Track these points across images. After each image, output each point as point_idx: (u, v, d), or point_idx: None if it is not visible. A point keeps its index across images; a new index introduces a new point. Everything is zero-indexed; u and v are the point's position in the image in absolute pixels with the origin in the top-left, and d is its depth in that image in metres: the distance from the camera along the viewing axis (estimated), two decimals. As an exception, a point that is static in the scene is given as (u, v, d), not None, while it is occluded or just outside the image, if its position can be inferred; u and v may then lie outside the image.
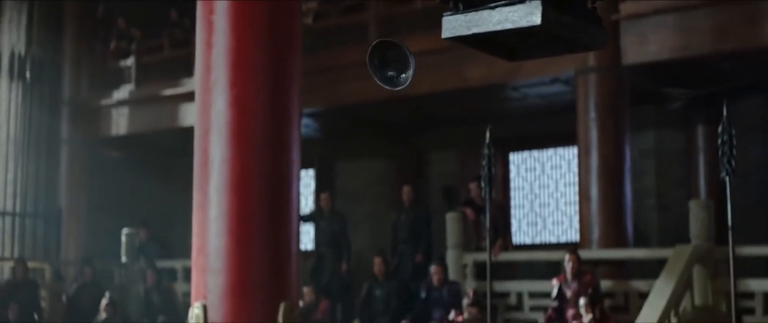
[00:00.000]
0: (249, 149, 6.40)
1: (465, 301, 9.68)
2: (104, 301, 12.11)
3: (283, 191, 6.51)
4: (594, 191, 10.77)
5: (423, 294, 10.78)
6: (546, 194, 14.46)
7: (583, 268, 9.74)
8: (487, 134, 7.47)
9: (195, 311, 6.34)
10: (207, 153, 6.47)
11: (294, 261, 6.58)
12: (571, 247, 10.17)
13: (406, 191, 12.34)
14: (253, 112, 6.47)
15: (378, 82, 3.23)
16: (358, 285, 12.65)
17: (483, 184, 7.45)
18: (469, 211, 11.51)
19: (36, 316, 12.45)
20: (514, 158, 14.77)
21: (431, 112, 14.05)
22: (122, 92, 15.48)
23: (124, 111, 15.57)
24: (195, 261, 6.48)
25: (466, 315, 9.49)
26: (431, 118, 14.52)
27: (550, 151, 14.45)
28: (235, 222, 6.31)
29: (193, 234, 6.51)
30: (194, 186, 6.53)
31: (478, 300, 9.58)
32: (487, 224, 7.74)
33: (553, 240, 14.30)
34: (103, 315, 12.03)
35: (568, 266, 9.67)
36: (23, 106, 15.49)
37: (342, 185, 16.10)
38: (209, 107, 6.53)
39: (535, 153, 14.61)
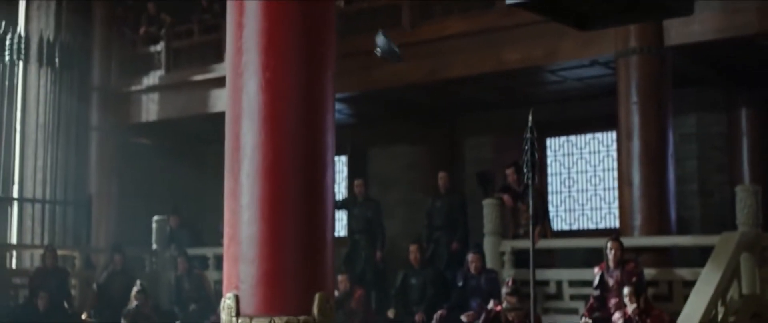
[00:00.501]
0: (282, 134, 6.15)
1: (504, 290, 9.41)
2: (135, 289, 11.95)
3: (318, 177, 6.25)
4: (636, 177, 10.46)
5: (460, 283, 10.53)
6: (584, 180, 14.17)
7: (626, 256, 9.44)
8: (530, 117, 7.21)
9: (227, 302, 6.11)
10: (238, 138, 6.23)
11: (329, 250, 6.33)
12: (613, 235, 9.84)
13: (441, 177, 12.07)
14: (286, 96, 6.21)
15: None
16: (392, 273, 12.42)
17: (525, 169, 7.17)
18: (506, 198, 11.24)
19: (66, 304, 12.30)
20: (551, 143, 14.49)
21: (466, 96, 13.81)
22: (152, 78, 15.32)
23: (154, 97, 15.41)
24: (227, 250, 6.24)
25: (505, 304, 9.23)
26: (466, 103, 14.28)
27: (588, 136, 14.15)
28: (267, 209, 6.07)
29: (224, 222, 6.27)
30: (225, 172, 6.29)
31: (517, 289, 9.31)
32: (530, 211, 7.44)
33: (591, 226, 14.01)
34: (133, 303, 11.87)
35: (611, 254, 9.39)
36: (52, 92, 15.39)
37: (374, 171, 15.87)
38: (240, 91, 6.28)
39: (573, 138, 14.33)
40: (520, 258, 10.95)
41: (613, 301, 9.31)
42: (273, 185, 6.10)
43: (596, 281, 9.50)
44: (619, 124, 10.85)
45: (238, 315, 6.08)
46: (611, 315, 9.19)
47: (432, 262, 11.59)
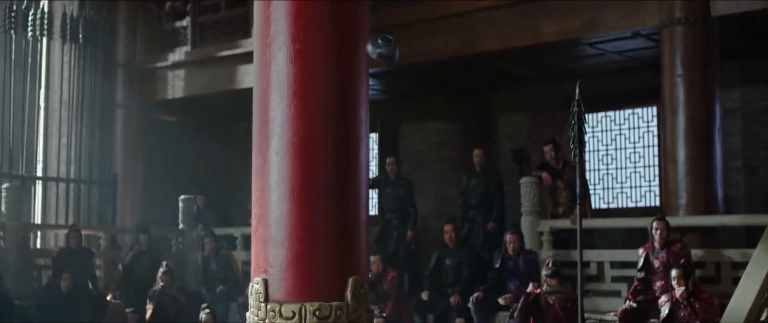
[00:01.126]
0: (313, 108, 5.79)
1: (543, 272, 9.04)
2: (161, 270, 11.73)
3: (351, 154, 5.89)
4: (681, 153, 10.04)
5: (496, 264, 10.18)
6: (622, 157, 13.74)
7: (672, 237, 9.04)
8: (577, 90, 6.78)
9: (255, 287, 5.77)
10: (267, 113, 5.87)
11: (363, 231, 5.97)
12: (658, 214, 9.43)
13: (477, 154, 11.68)
14: (317, 68, 5.84)
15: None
16: (424, 254, 12.10)
17: (572, 145, 6.78)
18: (545, 175, 10.84)
19: (90, 285, 12.04)
20: (589, 119, 13.81)
21: (500, 71, 13.41)
22: (178, 54, 15.03)
23: (180, 73, 15.13)
24: (255, 232, 5.89)
25: (545, 286, 8.86)
26: (500, 77, 13.89)
27: (628, 111, 13.72)
28: (298, 188, 5.72)
29: (252, 202, 5.92)
30: (253, 149, 5.94)
31: (557, 271, 8.95)
32: (578, 189, 7.06)
33: (630, 205, 13.59)
34: (159, 283, 11.65)
35: (656, 234, 8.99)
36: (77, 69, 15.17)
37: (405, 149, 15.53)
38: (269, 63, 5.91)
39: (611, 113, 13.92)
40: (558, 239, 10.60)
41: (658, 284, 8.93)
42: (304, 163, 5.75)
43: (641, 263, 9.11)
44: (663, 98, 10.43)
45: (266, 300, 5.74)
46: (657, 298, 8.81)
47: (467, 242, 11.21)
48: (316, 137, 5.74)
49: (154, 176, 15.53)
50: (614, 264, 10.12)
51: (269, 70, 5.88)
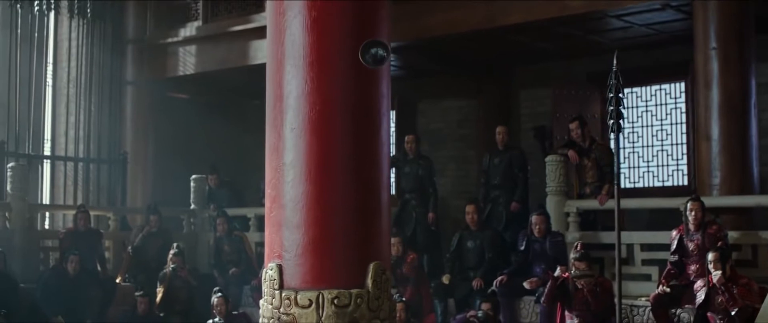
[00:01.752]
0: (331, 81, 5.39)
1: (572, 255, 8.62)
2: (171, 251, 11.39)
3: (372, 130, 5.49)
4: (715, 130, 9.61)
5: (521, 246, 9.78)
6: (649, 134, 13.29)
7: (707, 218, 8.61)
8: (615, 61, 6.35)
9: (269, 273, 5.39)
10: (281, 86, 5.48)
11: (385, 214, 5.58)
12: (692, 194, 9.00)
13: (499, 131, 11.24)
14: (335, 37, 5.44)
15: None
16: (444, 236, 11.71)
17: (609, 120, 6.35)
18: (571, 153, 10.41)
19: (99, 267, 11.70)
20: None
21: (522, 46, 12.98)
22: (189, 29, 14.67)
23: (192, 49, 14.76)
24: (268, 214, 5.51)
25: (573, 270, 8.44)
26: (522, 53, 13.46)
27: (654, 87, 13.26)
28: (315, 167, 5.33)
29: (265, 182, 5.53)
30: (267, 125, 5.55)
31: (587, 254, 8.52)
32: (615, 168, 6.65)
33: (657, 184, 13.16)
34: (170, 265, 11.30)
35: (691, 215, 8.56)
36: (85, 45, 14.80)
37: (424, 127, 15.16)
38: (283, 32, 5.52)
39: (637, 89, 13.44)
40: (585, 220, 10.19)
41: (693, 267, 8.50)
42: (321, 139, 5.36)
43: (674, 245, 8.68)
44: (696, 72, 10.00)
45: (281, 287, 5.37)
46: (691, 282, 8.40)
47: (489, 224, 10.81)
48: (334, 111, 5.35)
49: (165, 155, 15.22)
50: (644, 247, 9.70)
51: (284, 39, 5.49)
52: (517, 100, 14.44)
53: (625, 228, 10.16)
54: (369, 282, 5.34)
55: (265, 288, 5.45)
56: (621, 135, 13.09)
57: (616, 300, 6.76)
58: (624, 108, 6.57)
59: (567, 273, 8.47)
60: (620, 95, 6.65)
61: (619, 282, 6.54)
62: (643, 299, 8.78)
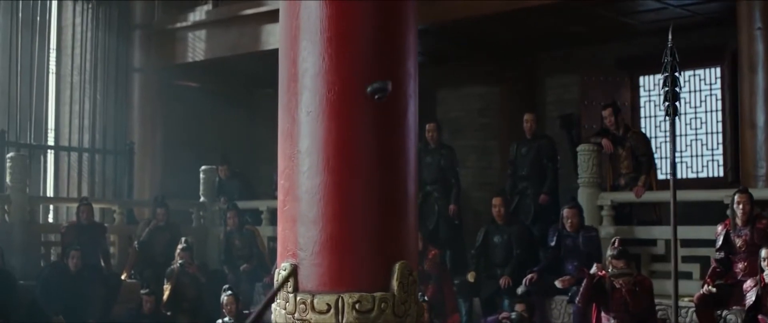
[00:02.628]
0: (351, 58, 4.84)
1: (608, 252, 8.02)
2: (179, 246, 10.89)
3: (397, 113, 4.95)
4: (761, 117, 9.03)
5: (552, 242, 9.18)
6: (682, 123, 12.64)
7: (755, 212, 8.01)
8: (669, 35, 5.73)
9: (282, 274, 4.85)
10: (296, 65, 4.93)
11: (412, 207, 5.03)
12: (741, 187, 8.39)
13: (527, 119, 10.63)
14: (357, 9, 4.89)
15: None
16: (468, 230, 11.14)
17: (664, 103, 5.75)
18: (606, 142, 9.81)
19: (103, 263, 11.17)
20: (645, 82, 13.01)
21: (548, 29, 12.35)
22: (199, 13, 14.12)
23: (202, 34, 14.21)
24: (281, 208, 4.97)
25: (610, 269, 7.85)
26: (547, 36, 12.79)
27: (688, 73, 12.60)
28: (333, 155, 4.78)
29: (278, 172, 4.99)
30: (279, 108, 5.02)
31: (625, 251, 7.92)
32: (669, 154, 6.05)
33: (690, 176, 12.55)
34: (178, 261, 10.79)
35: (739, 209, 7.95)
36: (91, 31, 14.27)
37: (443, 115, 14.55)
38: (298, 4, 4.96)
39: (670, 75, 12.72)
40: (620, 213, 9.59)
41: (741, 265, 7.92)
42: (340, 124, 4.81)
43: (720, 241, 8.08)
44: (740, 55, 9.40)
45: (296, 290, 4.83)
46: (739, 281, 7.80)
47: (516, 217, 10.21)
48: (354, 92, 4.80)
49: (173, 145, 14.71)
50: (685, 243, 9.09)
51: (298, 12, 4.94)
52: (543, 87, 13.83)
53: (661, 223, 9.62)
54: (394, 284, 4.81)
55: (278, 290, 4.91)
56: (652, 123, 12.79)
57: (674, 303, 6.11)
58: (680, 88, 5.90)
59: (604, 272, 7.87)
60: (676, 74, 5.96)
61: (674, 283, 5.99)
62: (687, 299, 8.18)
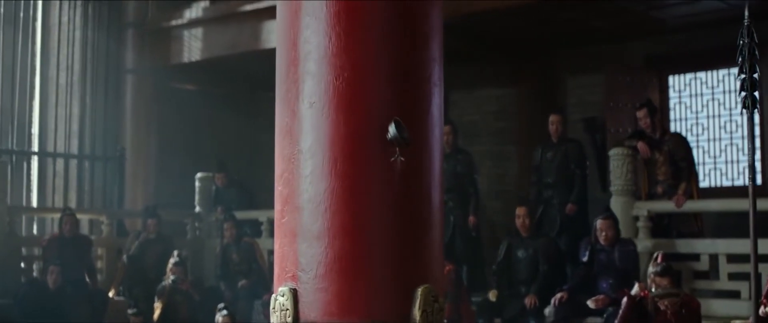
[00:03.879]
0: (363, 38, 4.06)
1: (651, 269, 7.15)
2: (172, 260, 10.15)
3: (419, 105, 4.13)
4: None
5: (584, 257, 8.33)
6: (716, 126, 11.85)
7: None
8: (746, 12, 4.88)
9: (280, 300, 4.03)
10: (296, 46, 4.15)
11: (437, 219, 4.20)
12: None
13: (553, 121, 9.79)
14: (370, -20, 4.07)
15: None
16: (487, 243, 10.34)
17: (743, 98, 4.89)
18: (642, 145, 8.96)
19: (87, 279, 10.35)
20: (675, 81, 12.17)
21: (570, 25, 11.62)
22: (195, 10, 13.54)
23: (198, 32, 13.62)
24: (279, 220, 4.16)
25: (653, 288, 7.00)
26: (569, 33, 12.07)
27: (722, 72, 11.83)
28: (342, 155, 3.97)
29: (276, 177, 4.18)
30: (277, 100, 4.22)
31: (670, 268, 7.07)
32: (750, 155, 5.19)
33: (725, 183, 11.72)
34: (170, 277, 10.01)
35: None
36: (81, 30, 13.74)
37: (456, 119, 13.73)
38: (300, -26, 4.15)
39: (702, 75, 11.98)
40: (658, 225, 8.75)
41: (800, 283, 7.04)
42: (351, 117, 4.00)
43: (776, 257, 7.23)
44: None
45: (296, 320, 4.00)
46: (799, 301, 6.93)
47: (540, 228, 9.37)
48: (368, 79, 3.98)
49: (168, 151, 14.09)
50: (732, 258, 8.25)
51: (300, -18, 4.11)
52: (564, 88, 13.06)
53: (703, 235, 8.79)
54: (416, 312, 3.99)
55: (275, 319, 4.11)
56: (683, 126, 11.95)
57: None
58: (757, 71, 5.03)
59: (646, 291, 7.02)
60: (754, 59, 5.09)
61: (755, 304, 5.07)
62: (738, 322, 7.33)
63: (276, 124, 4.24)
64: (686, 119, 12.04)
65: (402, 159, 3.92)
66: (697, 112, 11.97)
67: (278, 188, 4.18)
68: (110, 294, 10.69)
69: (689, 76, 12.04)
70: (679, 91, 12.12)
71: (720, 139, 11.80)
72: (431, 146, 4.17)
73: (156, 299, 9.95)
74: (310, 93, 4.02)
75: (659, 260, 7.19)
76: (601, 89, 12.34)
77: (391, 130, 3.89)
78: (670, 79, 12.15)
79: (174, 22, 13.69)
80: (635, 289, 7.07)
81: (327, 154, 3.94)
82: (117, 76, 13.90)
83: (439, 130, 4.27)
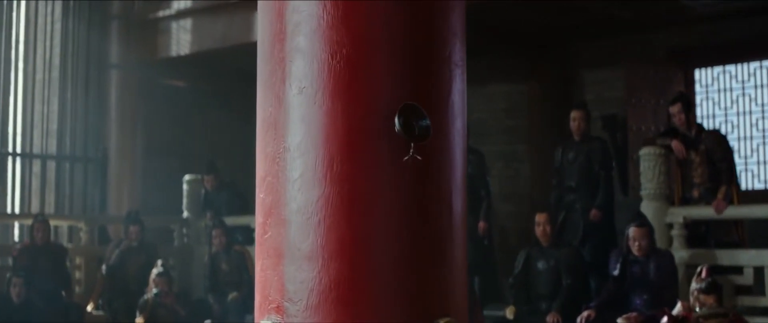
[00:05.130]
0: (367, 5, 3.25)
1: (694, 285, 6.31)
2: (155, 271, 9.41)
3: (436, 93, 3.34)
4: None
5: (615, 270, 7.49)
6: (747, 123, 11.12)
7: None
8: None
9: (261, 335, 3.25)
10: (282, 18, 3.46)
11: (459, 234, 3.40)
12: None
13: (575, 117, 8.94)
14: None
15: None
16: (501, 252, 9.58)
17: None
18: (676, 144, 8.13)
19: (63, 292, 9.56)
20: (702, 75, 11.49)
21: (587, 15, 10.99)
22: (183, 1, 12.87)
23: (187, 24, 12.98)
24: (261, 236, 3.38)
25: (698, 307, 6.17)
26: (586, 24, 11.43)
27: (753, 65, 11.13)
28: (340, 154, 3.21)
29: (257, 181, 3.38)
30: (258, 84, 3.49)
31: (716, 284, 6.25)
32: None
33: (758, 186, 10.97)
34: (153, 289, 9.23)
35: None
36: (63, 22, 13.07)
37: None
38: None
39: (731, 68, 11.28)
40: (694, 233, 7.94)
41: None
42: (351, 106, 3.19)
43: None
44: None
45: (281, 361, 3.21)
46: None
47: (561, 236, 8.53)
48: (373, 58, 3.17)
49: (155, 152, 13.49)
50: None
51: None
52: (580, 84, 12.36)
53: (745, 245, 7.98)
54: (435, 351, 3.18)
55: (256, 360, 3.33)
56: (711, 123, 11.15)
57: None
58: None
59: (689, 312, 6.19)
60: None
61: None
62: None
63: (257, 115, 3.45)
64: (714, 116, 11.41)
65: (418, 158, 3.11)
66: (726, 109, 11.31)
67: (259, 195, 3.38)
68: (88, 308, 9.96)
69: (717, 69, 11.41)
70: (706, 86, 11.46)
71: (751, 137, 11.10)
72: (452, 142, 3.37)
73: (137, 314, 9.16)
74: (299, 75, 3.21)
75: (704, 275, 6.35)
76: (621, 84, 11.64)
77: (398, 121, 3.10)
78: (696, 72, 11.52)
79: (161, 14, 13.04)
80: (678, 309, 6.23)
81: (321, 152, 3.13)
82: (100, 71, 13.22)
83: (462, 121, 3.46)
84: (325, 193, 3.11)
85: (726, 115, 11.24)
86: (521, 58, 12.58)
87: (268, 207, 3.30)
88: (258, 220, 3.39)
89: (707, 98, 11.39)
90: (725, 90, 11.29)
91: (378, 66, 3.14)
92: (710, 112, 11.35)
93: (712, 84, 11.38)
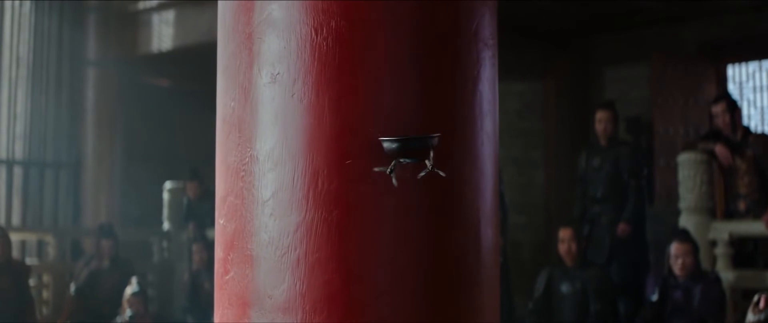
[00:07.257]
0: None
1: (750, 317, 5.49)
2: (129, 289, 8.58)
3: (458, 82, 2.55)
4: None
5: (654, 295, 6.68)
6: (787, 124, 10.64)
7: None
8: None
9: None
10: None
11: (490, 273, 2.62)
12: None
13: (601, 118, 8.10)
14: None
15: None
16: (518, 270, 8.92)
17: None
18: (721, 149, 7.33)
19: (26, 316, 8.81)
20: (734, 72, 11.09)
21: (607, 6, 10.68)
22: None
23: (169, 17, 12.48)
24: (221, 276, 2.61)
25: (756, 342, 5.37)
26: (608, 16, 11.15)
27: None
28: (329, 169, 2.39)
29: (216, 201, 2.61)
30: (218, 73, 2.70)
31: (777, 314, 5.44)
32: None
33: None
34: (127, 311, 8.43)
35: None
36: (35, 17, 12.52)
37: (474, 118, 12.48)
38: None
39: (766, 62, 10.92)
40: (740, 252, 7.19)
41: None
42: (345, 100, 2.39)
43: None
44: None
45: None
46: None
47: (587, 255, 7.72)
48: (371, 34, 2.39)
49: (135, 158, 13.09)
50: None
51: None
52: (601, 82, 11.96)
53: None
54: None
55: None
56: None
57: None
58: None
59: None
60: None
61: None
62: None
63: (217, 110, 2.67)
64: (749, 117, 10.98)
65: (442, 173, 2.32)
66: (762, 108, 10.89)
67: (219, 221, 2.62)
68: (55, 332, 9.22)
69: (752, 65, 11.02)
70: (740, 84, 11.05)
71: (792, 139, 10.45)
72: (480, 150, 2.59)
73: (110, 339, 8.46)
74: (272, 58, 2.44)
75: (762, 305, 5.54)
76: (646, 82, 11.24)
77: (388, 145, 2.34)
78: (729, 69, 11.13)
79: (141, 5, 12.59)
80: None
81: (301, 163, 2.35)
82: (74, 68, 12.70)
83: (493, 121, 2.70)
84: (307, 220, 2.33)
85: (762, 115, 10.81)
86: (535, 52, 12.21)
87: (229, 238, 2.53)
88: (217, 254, 2.64)
89: (741, 97, 11.07)
90: (761, 88, 10.89)
91: (379, 44, 2.36)
92: (745, 112, 10.87)
93: (747, 81, 10.97)
